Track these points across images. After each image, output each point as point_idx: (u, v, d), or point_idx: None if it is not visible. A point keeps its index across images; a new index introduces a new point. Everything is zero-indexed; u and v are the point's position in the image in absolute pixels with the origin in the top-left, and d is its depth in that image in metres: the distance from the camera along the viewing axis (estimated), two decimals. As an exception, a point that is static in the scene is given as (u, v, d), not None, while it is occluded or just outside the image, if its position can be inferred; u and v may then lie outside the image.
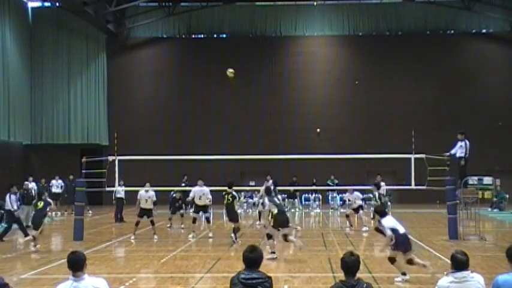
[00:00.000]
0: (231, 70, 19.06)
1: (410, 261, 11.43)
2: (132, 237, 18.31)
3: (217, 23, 36.44)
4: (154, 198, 18.89)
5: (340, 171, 31.13)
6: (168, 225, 22.01)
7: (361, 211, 21.42)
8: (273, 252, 14.28)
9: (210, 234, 18.59)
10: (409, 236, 12.08)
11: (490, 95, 34.48)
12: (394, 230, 11.37)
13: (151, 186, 19.16)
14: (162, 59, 36.88)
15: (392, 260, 11.49)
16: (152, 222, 18.67)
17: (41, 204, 17.03)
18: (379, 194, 20.68)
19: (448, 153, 18.37)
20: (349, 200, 22.13)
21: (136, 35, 36.68)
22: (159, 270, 13.10)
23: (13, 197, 18.47)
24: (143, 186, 19.15)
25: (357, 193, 21.62)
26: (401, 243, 11.35)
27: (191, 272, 12.79)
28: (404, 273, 11.40)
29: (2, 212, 23.43)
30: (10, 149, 32.96)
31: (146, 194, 18.77)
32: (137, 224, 18.60)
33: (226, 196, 17.55)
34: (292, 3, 36.02)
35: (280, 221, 14.27)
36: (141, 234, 19.50)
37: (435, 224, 22.86)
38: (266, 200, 15.28)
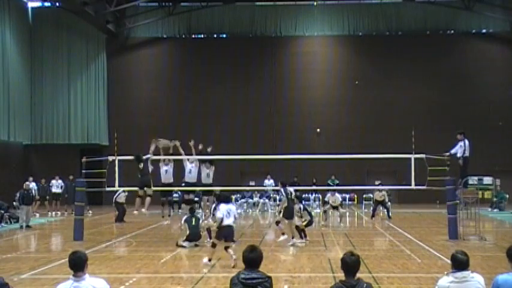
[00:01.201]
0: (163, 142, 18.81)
1: (225, 248, 13.33)
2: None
3: (217, 23, 36.44)
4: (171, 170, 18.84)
5: (340, 171, 31.14)
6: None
7: (340, 209, 23.56)
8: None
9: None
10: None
11: (490, 95, 34.45)
12: (221, 219, 13.30)
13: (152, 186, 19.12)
14: (162, 59, 36.88)
15: (213, 245, 13.57)
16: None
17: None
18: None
19: (448, 153, 18.39)
20: (333, 202, 23.65)
21: (136, 35, 36.67)
22: (159, 270, 13.10)
23: None
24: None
25: (337, 195, 23.54)
26: (223, 233, 13.34)
27: (191, 272, 12.79)
28: (210, 260, 13.49)
29: (2, 211, 23.49)
30: (10, 149, 32.98)
31: (165, 167, 18.64)
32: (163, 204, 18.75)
33: None
34: (292, 3, 36.02)
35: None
36: (141, 235, 19.52)
37: (435, 224, 22.85)
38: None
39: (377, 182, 25.59)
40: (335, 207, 23.54)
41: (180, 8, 35.99)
